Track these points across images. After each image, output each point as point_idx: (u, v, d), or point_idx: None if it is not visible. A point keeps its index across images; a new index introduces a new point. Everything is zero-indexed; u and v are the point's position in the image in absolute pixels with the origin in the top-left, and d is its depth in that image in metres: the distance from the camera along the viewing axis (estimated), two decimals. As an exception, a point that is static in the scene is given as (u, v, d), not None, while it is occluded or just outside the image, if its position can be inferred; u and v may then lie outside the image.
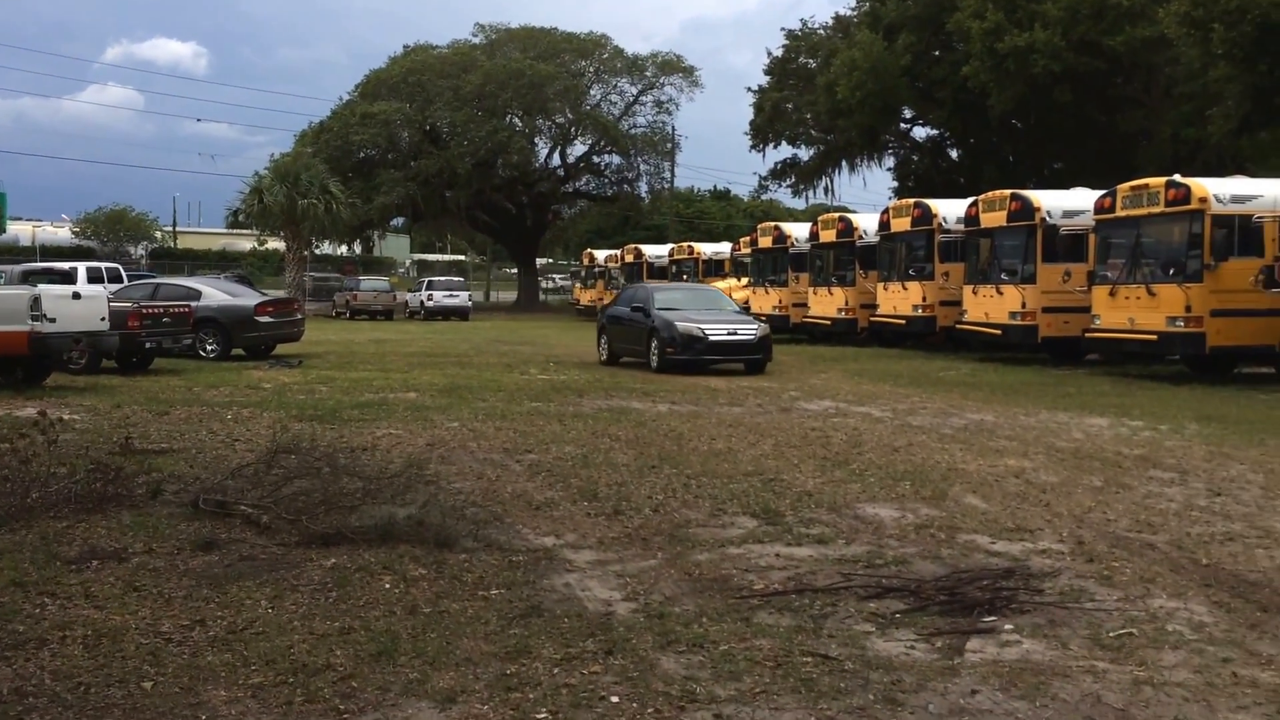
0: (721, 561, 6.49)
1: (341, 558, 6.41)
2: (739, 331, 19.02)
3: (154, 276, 30.60)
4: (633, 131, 55.69)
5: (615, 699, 4.35)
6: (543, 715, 4.19)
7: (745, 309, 23.72)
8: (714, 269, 38.41)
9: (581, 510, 7.83)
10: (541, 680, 4.54)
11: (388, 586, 5.89)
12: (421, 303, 45.08)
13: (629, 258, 43.62)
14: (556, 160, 56.65)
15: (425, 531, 6.85)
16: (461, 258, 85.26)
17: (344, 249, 60.60)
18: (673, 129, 57.30)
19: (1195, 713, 4.28)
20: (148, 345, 18.01)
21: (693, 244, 41.06)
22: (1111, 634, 5.20)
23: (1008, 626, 5.34)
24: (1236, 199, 17.18)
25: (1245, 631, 5.25)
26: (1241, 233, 16.99)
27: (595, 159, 57.04)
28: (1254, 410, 13.77)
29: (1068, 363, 20.86)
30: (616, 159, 56.42)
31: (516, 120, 53.09)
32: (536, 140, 55.30)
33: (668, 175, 58.65)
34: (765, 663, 4.78)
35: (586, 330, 37.24)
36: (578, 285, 53.26)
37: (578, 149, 56.58)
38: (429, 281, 48.31)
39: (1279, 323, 15.99)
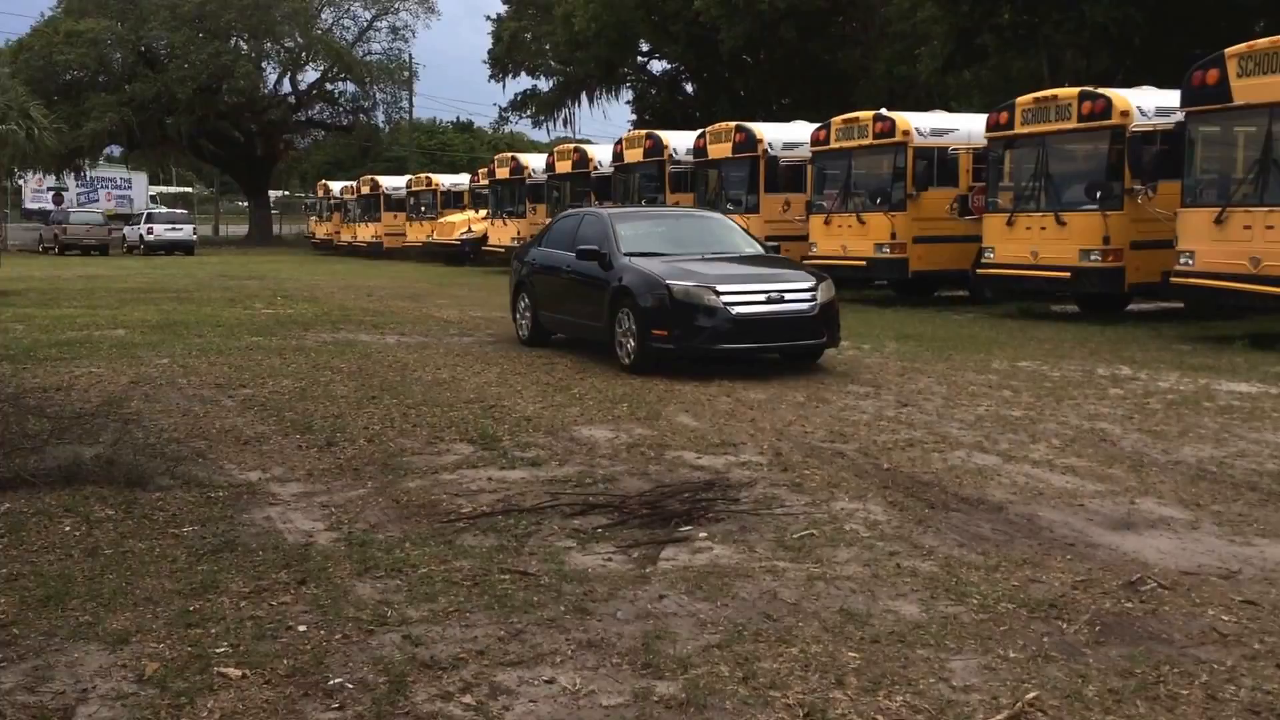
0: (432, 488, 6.47)
1: (18, 502, 5.96)
2: (787, 295, 10.57)
3: None
4: (367, 59, 53.64)
5: (303, 628, 4.27)
6: (223, 649, 4.06)
7: (774, 249, 13.41)
8: (453, 201, 37.78)
9: (293, 443, 7.60)
10: (226, 615, 4.39)
11: (68, 529, 5.53)
12: (141, 236, 42.13)
13: (365, 189, 42.27)
14: (287, 87, 53.89)
15: (115, 471, 6.48)
16: (188, 189, 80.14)
17: (71, 179, 55.67)
18: (410, 57, 55.60)
19: (859, 602, 4.63)
20: None
21: (430, 175, 40.18)
22: (795, 536, 5.53)
23: (702, 535, 5.59)
24: (936, 132, 18.41)
25: (913, 527, 5.70)
26: (940, 164, 18.25)
27: (329, 86, 54.60)
28: (947, 329, 14.91)
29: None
30: (351, 87, 54.27)
31: (242, 43, 50.05)
32: (264, 65, 52.32)
33: (406, 105, 56.96)
34: (463, 583, 4.82)
35: (321, 265, 35.99)
36: (313, 218, 51.18)
37: (309, 76, 53.99)
38: (148, 214, 45.21)
39: (972, 248, 17.29)
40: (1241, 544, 5.35)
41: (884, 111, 18.84)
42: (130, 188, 64.77)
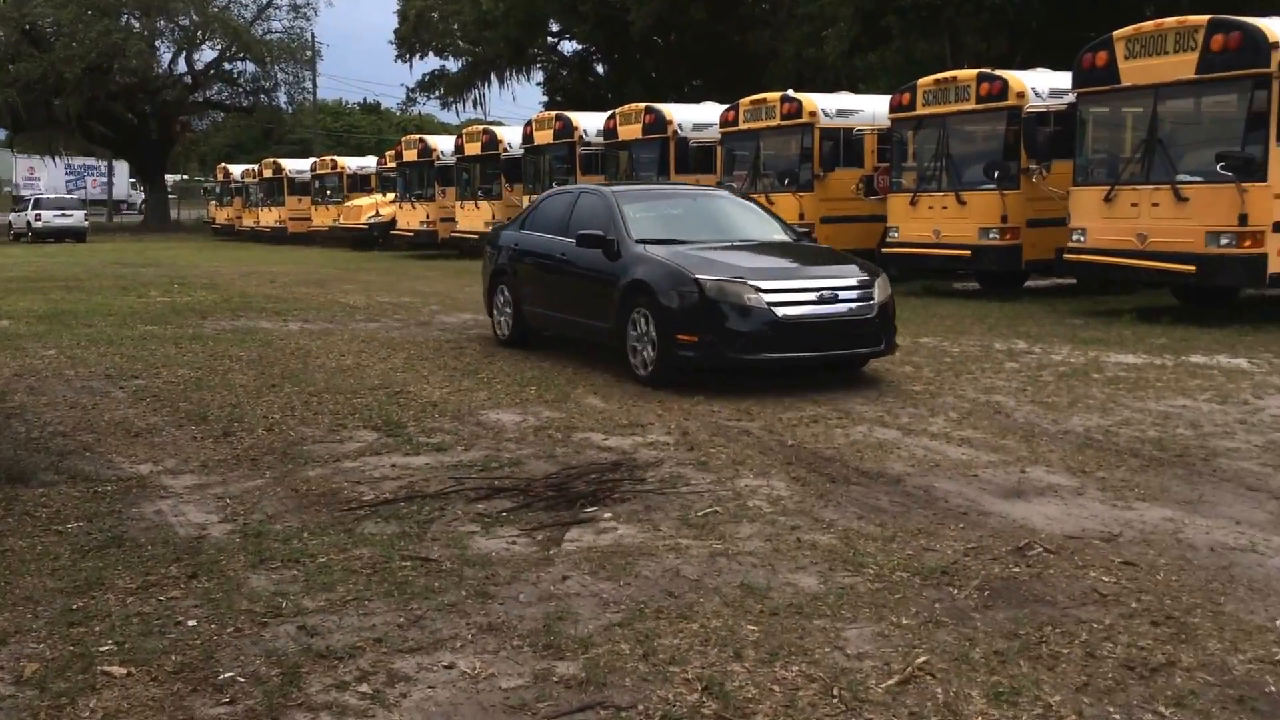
0: (333, 476, 6.36)
1: (-107, 503, 5.72)
2: (840, 294, 8.79)
3: None
4: (268, 37, 52.26)
5: (193, 622, 4.18)
6: (107, 647, 3.95)
7: (805, 233, 12.84)
8: (360, 184, 37.19)
9: (187, 435, 7.42)
10: (111, 612, 4.27)
11: (-55, 530, 5.32)
12: (28, 223, 40.63)
13: (268, 173, 41.35)
14: (182, 67, 52.25)
15: (-5, 468, 6.24)
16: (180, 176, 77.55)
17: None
18: (312, 36, 54.39)
19: (760, 576, 4.68)
20: None
21: (336, 158, 39.47)
22: (699, 514, 5.57)
23: (607, 515, 5.59)
24: (842, 113, 18.62)
25: (814, 501, 5.78)
26: (846, 145, 18.47)
27: (227, 66, 53.09)
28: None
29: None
30: (251, 67, 52.78)
31: (134, 21, 48.39)
32: (158, 44, 50.63)
33: (309, 86, 55.74)
34: (362, 571, 4.75)
35: (222, 251, 35.11)
36: (213, 203, 49.90)
37: (206, 55, 52.43)
38: (35, 199, 43.55)
39: (877, 228, 17.54)
40: (1123, 508, 5.53)
41: (791, 93, 18.99)
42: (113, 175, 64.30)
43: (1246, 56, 11.52)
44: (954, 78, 16.37)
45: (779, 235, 10.27)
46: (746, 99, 19.76)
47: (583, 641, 4.02)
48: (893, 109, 17.13)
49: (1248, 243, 11.53)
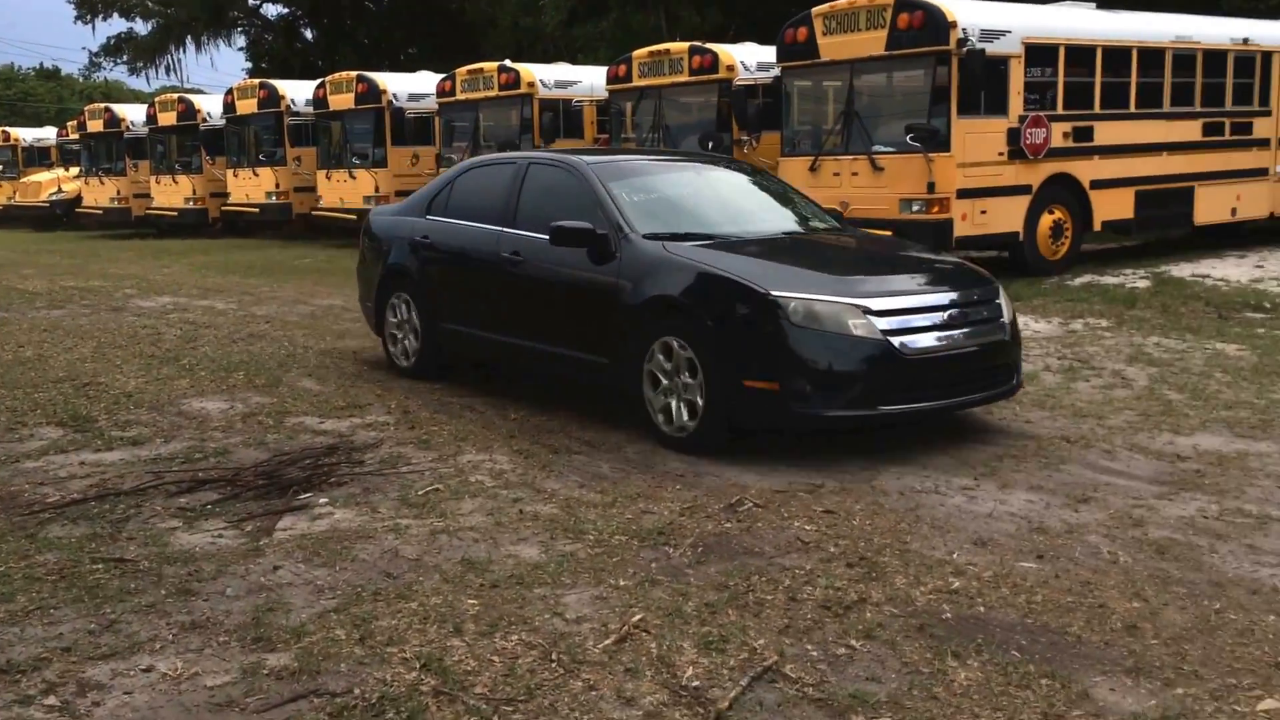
0: (12, 478, 5.83)
1: None
2: (971, 312, 6.19)
3: None
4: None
5: None
6: None
7: (836, 213, 9.31)
8: (38, 158, 34.07)
9: None
10: None
11: None
12: None
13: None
14: None
15: None
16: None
17: None
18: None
19: (481, 550, 4.66)
20: None
21: (8, 129, 35.97)
22: (419, 493, 5.48)
23: (322, 500, 5.41)
24: (560, 84, 18.74)
25: (537, 473, 5.81)
26: (565, 116, 18.61)
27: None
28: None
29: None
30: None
31: None
32: None
33: (-22, 50, 50.45)
34: (46, 578, 4.38)
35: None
36: None
37: None
38: None
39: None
40: (826, 461, 5.87)
41: (508, 63, 18.92)
42: None
43: (929, 34, 12.38)
44: (667, 50, 16.77)
45: (818, 220, 7.62)
46: (464, 69, 19.54)
47: (295, 631, 3.88)
48: (610, 80, 17.37)
49: (935, 209, 12.46)
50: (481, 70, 19.06)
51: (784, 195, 7.99)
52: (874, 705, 3.28)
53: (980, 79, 12.14)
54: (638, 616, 3.89)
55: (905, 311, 5.93)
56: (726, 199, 7.66)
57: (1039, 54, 12.86)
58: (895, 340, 5.79)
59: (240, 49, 46.13)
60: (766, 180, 8.28)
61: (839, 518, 4.94)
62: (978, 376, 6.17)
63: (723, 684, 3.41)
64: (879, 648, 3.65)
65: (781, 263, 6.34)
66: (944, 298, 6.13)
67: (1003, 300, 6.43)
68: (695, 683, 3.43)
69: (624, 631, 3.78)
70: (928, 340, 5.90)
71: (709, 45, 16.46)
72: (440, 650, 3.69)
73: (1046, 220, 12.93)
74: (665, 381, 6.24)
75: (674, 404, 6.18)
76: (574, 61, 23.77)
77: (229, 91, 24.24)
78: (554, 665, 3.58)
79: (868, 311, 5.80)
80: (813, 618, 3.88)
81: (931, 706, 3.27)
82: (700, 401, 6.01)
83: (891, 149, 12.89)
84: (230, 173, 24.10)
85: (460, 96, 19.22)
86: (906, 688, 3.38)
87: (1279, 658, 3.54)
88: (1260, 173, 15.28)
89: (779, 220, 7.51)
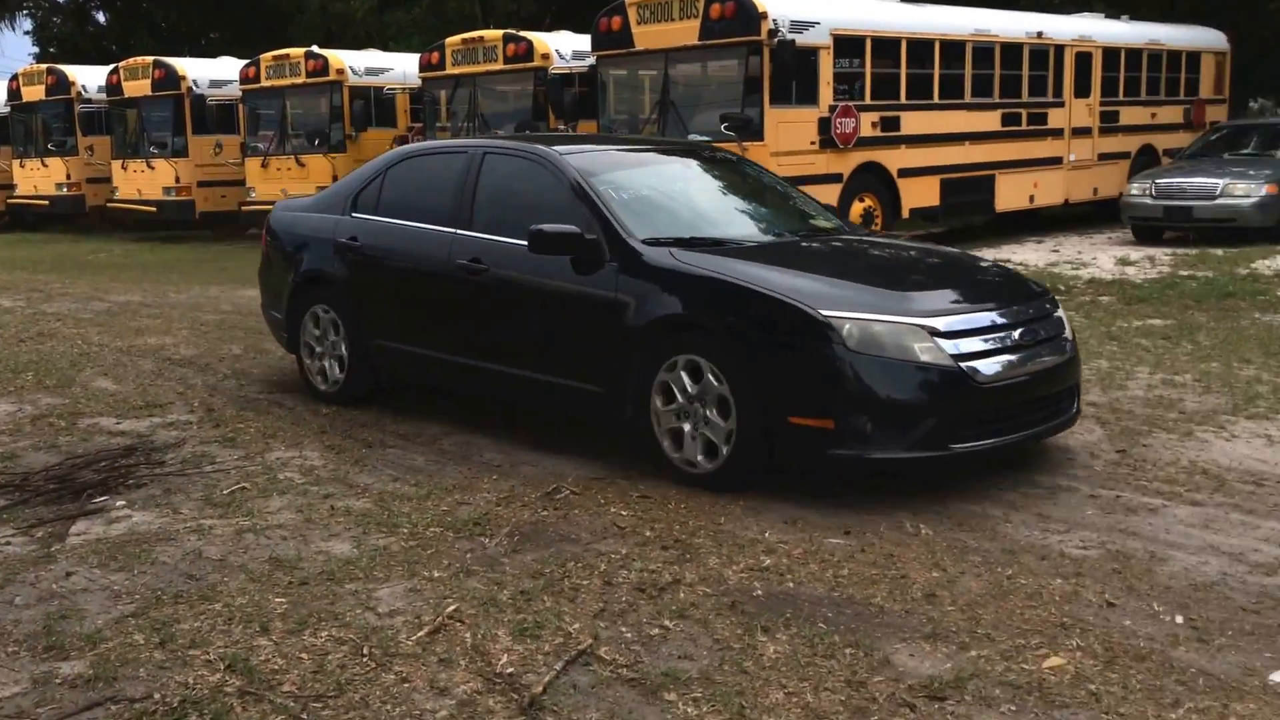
0: None
1: None
2: (1039, 333, 5.39)
3: None
4: None
5: None
6: None
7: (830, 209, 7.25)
8: None
9: None
10: None
11: None
12: None
13: None
14: None
15: None
16: None
17: None
18: None
19: (290, 548, 4.53)
20: None
21: None
22: (225, 492, 5.29)
23: (120, 503, 5.16)
24: (371, 71, 18.32)
25: (350, 468, 5.68)
26: (378, 104, 18.21)
27: None
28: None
29: (228, 237, 20.75)
30: None
31: None
32: None
33: None
34: None
35: None
36: None
37: None
38: None
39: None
40: (644, 448, 5.91)
41: (315, 49, 18.36)
42: None
43: (740, 25, 12.64)
44: (481, 38, 16.59)
45: (824, 220, 6.70)
46: (269, 54, 18.86)
47: (90, 638, 3.70)
48: (423, 68, 17.05)
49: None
50: (288, 56, 18.45)
51: (780, 189, 7.04)
52: (686, 682, 3.34)
53: (791, 69, 12.49)
54: (452, 607, 3.86)
55: (973, 332, 5.08)
56: (719, 195, 6.77)
57: (847, 45, 13.33)
58: (970, 367, 4.95)
59: (26, 33, 43.14)
60: (757, 171, 7.28)
61: (655, 502, 5.01)
62: (1045, 404, 5.39)
63: (537, 669, 3.42)
64: (692, 626, 3.72)
65: (821, 275, 5.45)
66: (1009, 314, 5.33)
67: (1061, 314, 5.71)
68: (510, 669, 3.43)
69: (438, 623, 3.74)
70: (999, 365, 5.08)
71: (524, 33, 16.37)
72: (246, 650, 3.58)
73: (858, 208, 13.43)
74: (677, 415, 5.26)
75: (689, 438, 5.24)
76: (386, 48, 23.26)
77: (14, 78, 22.71)
78: (365, 660, 3.52)
79: (934, 333, 4.94)
80: (628, 600, 3.93)
81: (741, 680, 3.35)
82: (719, 439, 5.11)
83: (707, 138, 13.13)
84: (17, 163, 22.59)
85: (266, 83, 18.55)
86: (717, 663, 3.46)
87: (1064, 618, 3.76)
88: (1055, 161, 16.28)
89: (784, 219, 6.62)
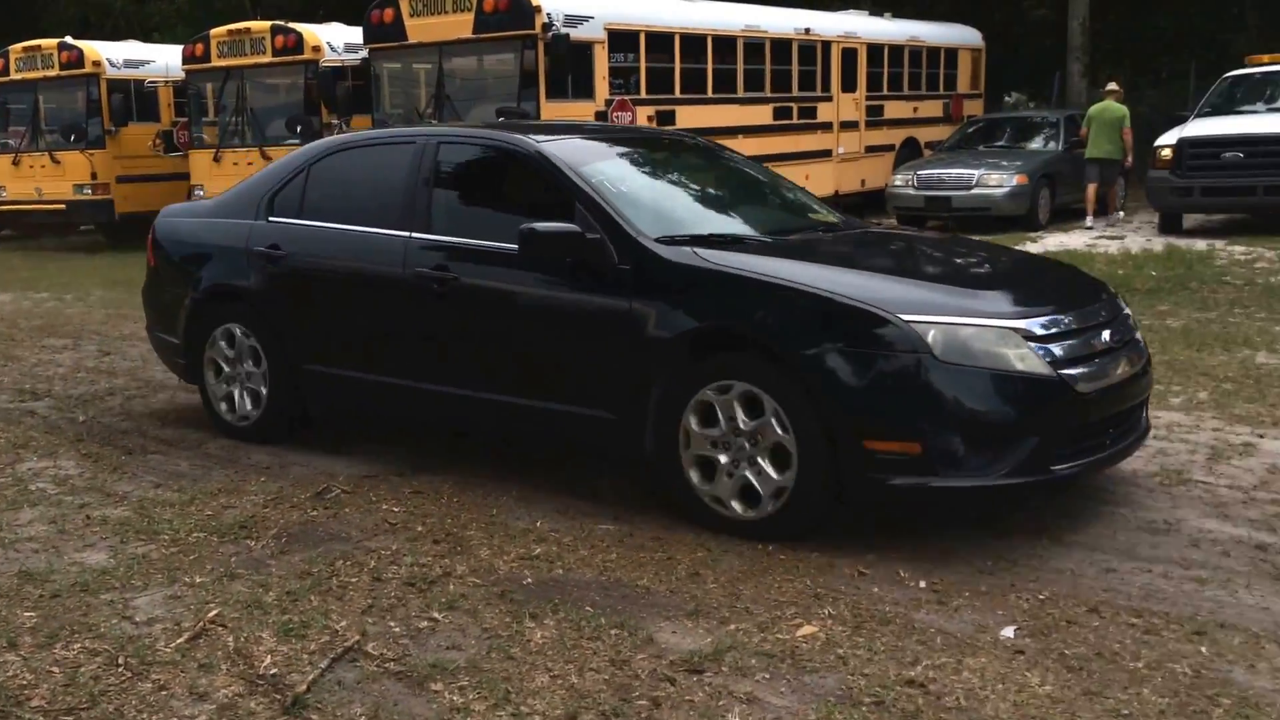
0: None
1: None
2: (1125, 335, 4.75)
3: None
4: None
5: None
6: None
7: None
8: None
9: None
10: None
11: None
12: None
13: None
14: None
15: None
16: None
17: None
18: None
19: (42, 560, 4.32)
20: None
21: None
22: (-35, 508, 4.98)
23: None
24: (131, 63, 17.43)
25: (107, 476, 5.44)
26: (139, 98, 17.33)
27: None
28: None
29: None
30: None
31: None
32: None
33: None
34: None
35: None
36: None
37: None
38: None
39: (183, 186, 16.70)
40: (414, 447, 5.91)
41: (70, 40, 17.35)
42: None
43: (514, 18, 12.67)
44: (248, 29, 16.02)
45: (826, 212, 5.98)
46: (18, 46, 17.74)
47: None
48: (186, 60, 16.34)
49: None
50: (39, 48, 17.38)
51: (774, 180, 6.24)
52: (453, 671, 3.39)
53: (567, 63, 12.61)
54: (214, 612, 3.78)
55: (1065, 335, 4.39)
56: (716, 186, 6.02)
57: (622, 40, 13.56)
58: (1069, 375, 4.27)
59: None
60: (741, 160, 6.43)
61: (427, 497, 5.01)
62: (1128, 416, 4.71)
63: (302, 669, 3.40)
64: (460, 617, 3.77)
65: (881, 274, 4.77)
66: (1091, 314, 4.63)
67: (1130, 312, 5.04)
68: (273, 670, 3.39)
69: (198, 628, 3.66)
70: (1095, 372, 4.41)
71: (293, 25, 15.91)
72: (-10, 670, 3.41)
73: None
74: (713, 444, 4.47)
75: (726, 472, 4.45)
76: (148, 40, 22.11)
77: None
78: (121, 669, 3.41)
79: (1029, 337, 4.25)
80: (397, 595, 3.94)
81: (508, 666, 3.43)
82: (773, 470, 4.34)
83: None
84: None
85: (15, 76, 17.43)
86: (485, 651, 3.52)
87: (818, 589, 3.97)
88: (825, 154, 17.05)
89: (790, 212, 5.87)
